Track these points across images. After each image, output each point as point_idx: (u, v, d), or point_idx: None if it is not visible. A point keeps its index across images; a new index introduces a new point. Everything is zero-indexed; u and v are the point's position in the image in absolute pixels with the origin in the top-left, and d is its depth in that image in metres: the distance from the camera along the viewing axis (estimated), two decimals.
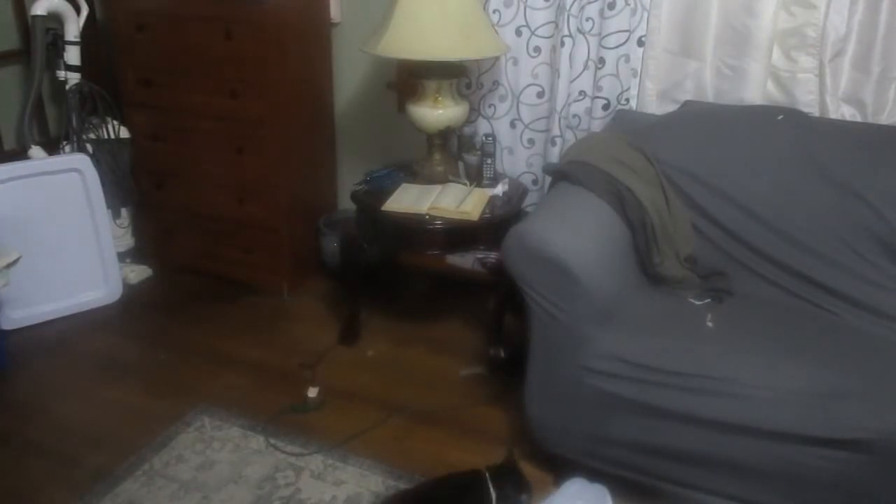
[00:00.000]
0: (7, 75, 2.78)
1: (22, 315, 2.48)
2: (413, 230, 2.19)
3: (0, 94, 2.77)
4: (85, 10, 2.70)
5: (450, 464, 1.82)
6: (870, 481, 1.48)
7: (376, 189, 2.30)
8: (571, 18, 2.26)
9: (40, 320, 2.51)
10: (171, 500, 1.78)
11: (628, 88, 2.34)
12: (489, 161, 2.35)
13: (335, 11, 2.68)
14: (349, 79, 2.79)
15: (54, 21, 2.64)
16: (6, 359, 2.30)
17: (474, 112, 2.51)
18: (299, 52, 2.55)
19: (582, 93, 2.38)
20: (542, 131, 2.49)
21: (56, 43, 2.66)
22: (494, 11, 2.38)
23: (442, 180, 2.35)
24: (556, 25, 2.32)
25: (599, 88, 2.38)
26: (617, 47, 2.29)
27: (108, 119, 2.69)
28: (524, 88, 2.45)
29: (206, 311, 2.57)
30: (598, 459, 1.75)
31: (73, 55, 2.67)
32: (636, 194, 1.92)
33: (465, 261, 2.54)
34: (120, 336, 2.50)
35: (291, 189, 2.63)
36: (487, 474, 1.66)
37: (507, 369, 2.17)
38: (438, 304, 2.70)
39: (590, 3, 2.26)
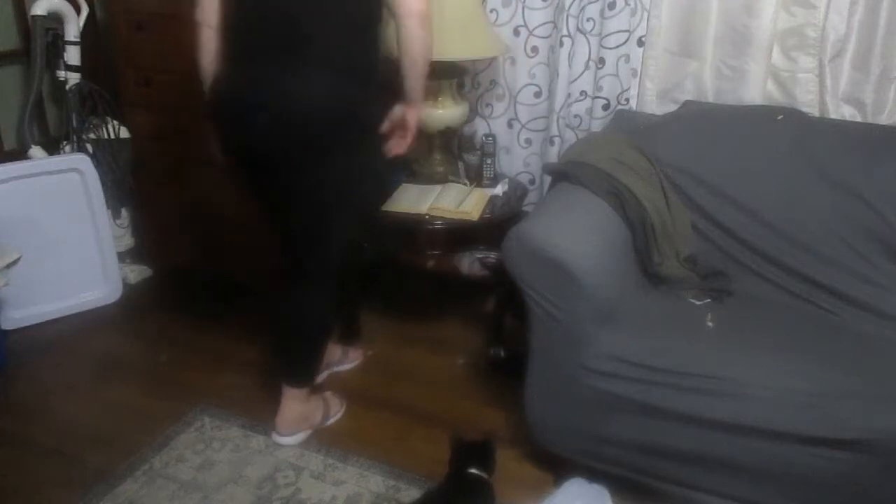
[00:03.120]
0: (7, 75, 2.78)
1: (22, 315, 2.48)
2: (413, 230, 2.19)
3: (0, 94, 2.77)
4: (85, 10, 2.70)
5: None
6: (870, 481, 1.48)
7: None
8: (571, 18, 2.27)
9: (40, 320, 2.51)
10: (171, 500, 1.78)
11: (628, 88, 2.34)
12: (489, 161, 2.35)
13: None
14: None
15: (54, 21, 2.63)
16: (6, 358, 2.30)
17: (472, 112, 2.51)
18: None
19: (583, 93, 2.38)
20: (539, 131, 2.49)
21: (56, 43, 2.66)
22: (492, 11, 2.38)
23: (442, 180, 2.35)
24: (555, 25, 2.32)
25: (599, 88, 2.38)
26: (617, 47, 2.29)
27: (108, 119, 2.69)
28: (521, 88, 2.45)
29: (206, 311, 2.57)
30: (598, 459, 1.75)
31: (73, 55, 2.66)
32: (636, 194, 1.92)
33: (464, 261, 2.54)
34: (120, 336, 2.50)
35: None
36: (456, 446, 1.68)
37: (507, 369, 2.17)
38: (438, 304, 2.70)
39: (590, 3, 2.26)
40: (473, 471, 1.64)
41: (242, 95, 1.69)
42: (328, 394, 2.11)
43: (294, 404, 1.95)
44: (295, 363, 1.96)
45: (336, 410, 2.09)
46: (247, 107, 1.67)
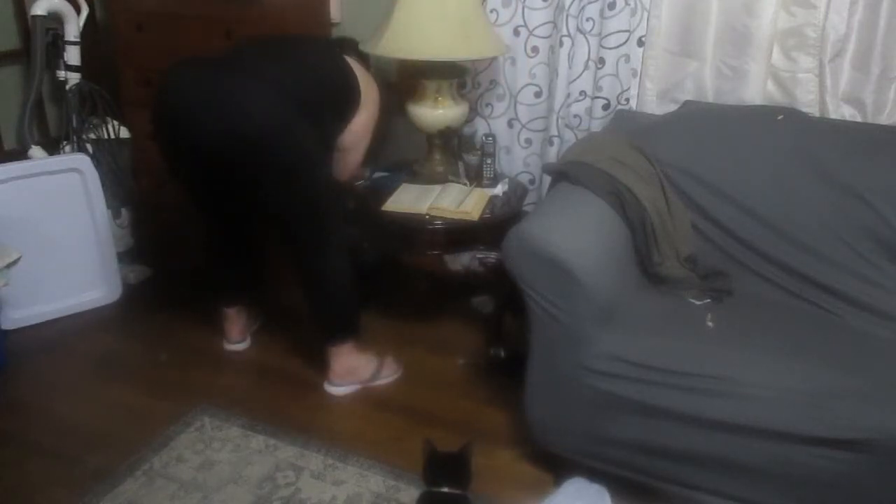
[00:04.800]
0: (7, 75, 2.78)
1: (22, 315, 2.48)
2: (413, 230, 2.19)
3: (0, 94, 2.77)
4: (85, 10, 2.70)
5: None
6: (870, 481, 1.48)
7: (376, 189, 2.30)
8: (570, 18, 2.27)
9: (40, 320, 2.51)
10: (171, 500, 1.78)
11: (628, 88, 2.34)
12: (489, 161, 2.35)
13: (335, 11, 2.68)
14: None
15: (54, 21, 2.64)
16: (6, 358, 2.30)
17: (472, 111, 2.51)
18: None
19: (582, 93, 2.38)
20: (539, 131, 2.49)
21: (56, 43, 2.66)
22: (492, 11, 2.38)
23: (442, 180, 2.35)
24: (555, 25, 2.32)
25: (599, 88, 2.38)
26: (617, 47, 2.29)
27: (108, 119, 2.69)
28: (522, 88, 2.45)
29: (206, 311, 2.57)
30: (598, 459, 1.75)
31: (73, 55, 2.67)
32: (636, 194, 1.92)
33: (464, 261, 2.54)
34: (120, 336, 2.50)
35: None
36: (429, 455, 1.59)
37: (507, 369, 2.17)
38: (438, 304, 2.70)
39: (590, 3, 2.26)
40: (444, 490, 1.55)
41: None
42: (388, 358, 2.26)
43: (340, 359, 2.14)
44: (328, 322, 2.14)
45: (388, 373, 2.23)
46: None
